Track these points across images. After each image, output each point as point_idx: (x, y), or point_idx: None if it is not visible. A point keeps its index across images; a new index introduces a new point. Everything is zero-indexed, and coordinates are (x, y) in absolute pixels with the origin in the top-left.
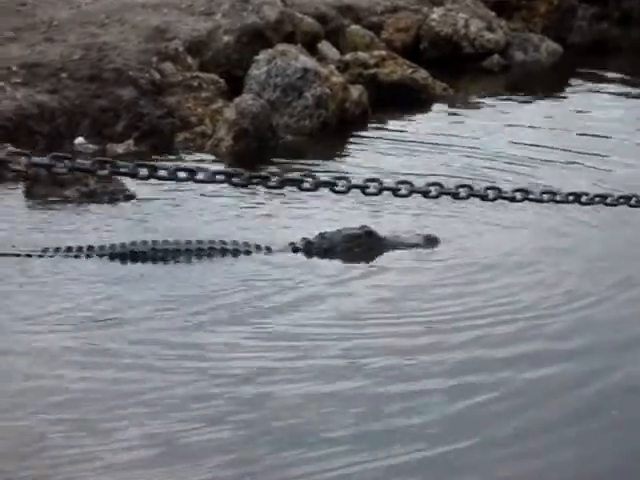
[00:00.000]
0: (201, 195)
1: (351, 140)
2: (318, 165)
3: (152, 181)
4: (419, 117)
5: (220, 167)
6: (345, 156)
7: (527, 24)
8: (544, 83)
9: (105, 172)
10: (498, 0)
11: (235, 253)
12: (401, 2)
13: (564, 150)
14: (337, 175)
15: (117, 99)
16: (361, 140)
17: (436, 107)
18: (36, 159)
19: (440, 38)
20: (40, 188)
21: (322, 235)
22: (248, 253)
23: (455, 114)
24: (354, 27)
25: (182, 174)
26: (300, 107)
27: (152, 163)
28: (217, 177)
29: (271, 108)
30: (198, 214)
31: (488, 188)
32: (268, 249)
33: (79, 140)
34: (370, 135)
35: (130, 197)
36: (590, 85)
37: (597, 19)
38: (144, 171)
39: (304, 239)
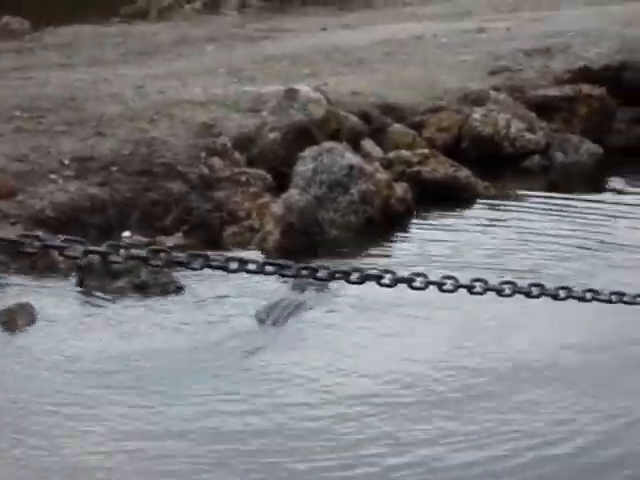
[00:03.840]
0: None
1: (396, 235)
2: (364, 260)
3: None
4: (461, 215)
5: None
6: (389, 252)
7: (567, 125)
8: (584, 184)
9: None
10: (539, 101)
11: None
12: (442, 102)
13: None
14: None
15: (167, 193)
16: (405, 236)
17: (478, 205)
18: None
19: (481, 138)
20: (93, 279)
21: None
22: None
23: (498, 213)
24: (397, 126)
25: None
26: (345, 203)
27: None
28: (267, 268)
29: (317, 204)
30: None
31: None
32: None
33: (126, 234)
34: (414, 231)
35: (180, 289)
36: (630, 187)
37: (636, 122)
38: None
39: None
